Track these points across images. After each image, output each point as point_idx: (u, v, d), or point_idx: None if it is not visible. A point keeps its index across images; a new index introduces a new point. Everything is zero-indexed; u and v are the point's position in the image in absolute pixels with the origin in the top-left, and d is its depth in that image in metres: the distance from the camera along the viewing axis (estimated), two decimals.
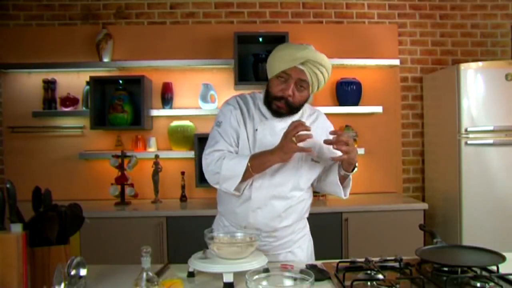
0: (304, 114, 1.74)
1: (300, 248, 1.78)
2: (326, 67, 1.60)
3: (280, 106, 1.62)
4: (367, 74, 3.53)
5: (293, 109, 1.65)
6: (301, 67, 1.57)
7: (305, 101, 1.67)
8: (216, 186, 1.65)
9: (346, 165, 1.62)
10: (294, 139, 1.47)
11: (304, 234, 1.81)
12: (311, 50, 1.58)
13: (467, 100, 3.02)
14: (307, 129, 1.49)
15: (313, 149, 1.59)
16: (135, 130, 3.38)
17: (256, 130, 1.67)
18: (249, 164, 1.55)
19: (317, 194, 3.14)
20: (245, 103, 1.72)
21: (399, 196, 3.52)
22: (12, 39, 3.43)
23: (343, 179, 1.68)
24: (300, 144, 1.49)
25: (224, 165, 1.58)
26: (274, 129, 1.66)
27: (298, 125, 1.48)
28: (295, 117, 1.68)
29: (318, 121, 1.76)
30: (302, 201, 1.73)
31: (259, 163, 1.57)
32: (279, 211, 1.66)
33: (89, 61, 3.39)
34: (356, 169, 1.66)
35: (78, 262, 1.32)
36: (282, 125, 1.64)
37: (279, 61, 1.59)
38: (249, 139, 1.66)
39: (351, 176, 1.68)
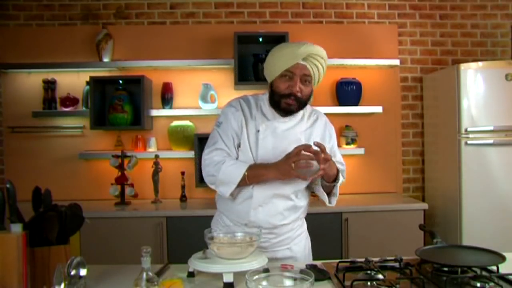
0: (305, 114, 1.77)
1: (298, 245, 1.81)
2: (324, 59, 1.67)
3: (289, 103, 1.65)
4: (367, 74, 3.53)
5: (302, 104, 1.68)
6: (303, 62, 1.62)
7: (310, 95, 1.71)
8: (212, 187, 1.70)
9: (326, 177, 1.66)
10: (293, 165, 1.51)
11: (301, 232, 1.84)
12: (310, 45, 1.63)
13: (467, 100, 3.02)
14: (311, 155, 1.51)
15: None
16: (135, 130, 3.38)
17: (258, 131, 1.68)
18: (246, 173, 1.60)
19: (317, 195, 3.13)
20: (247, 105, 1.75)
21: (399, 196, 3.52)
22: (12, 39, 3.42)
23: (328, 188, 1.71)
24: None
25: (222, 170, 1.62)
26: (276, 130, 1.69)
27: (299, 152, 1.51)
28: (298, 117, 1.72)
29: (318, 121, 1.80)
30: (302, 202, 1.77)
31: (255, 175, 1.61)
32: (280, 209, 1.70)
33: (89, 61, 3.39)
34: (342, 179, 1.70)
35: (78, 262, 1.32)
36: (283, 126, 1.70)
37: (281, 60, 1.62)
38: (250, 141, 1.69)
39: (337, 186, 1.71)
